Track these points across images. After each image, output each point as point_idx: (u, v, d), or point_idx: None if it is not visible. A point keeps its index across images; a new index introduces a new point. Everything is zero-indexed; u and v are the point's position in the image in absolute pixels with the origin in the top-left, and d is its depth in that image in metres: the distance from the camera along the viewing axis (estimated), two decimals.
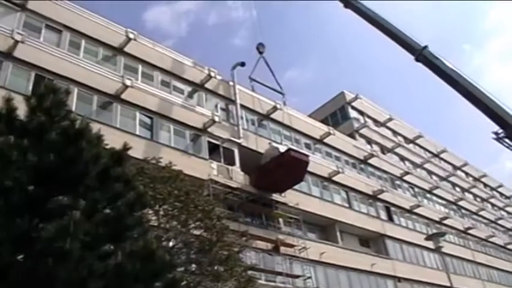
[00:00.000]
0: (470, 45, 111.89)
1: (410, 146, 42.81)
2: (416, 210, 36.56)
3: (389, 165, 37.30)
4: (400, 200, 35.41)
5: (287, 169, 23.52)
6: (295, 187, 25.93)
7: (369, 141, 37.51)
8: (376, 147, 37.45)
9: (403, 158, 40.66)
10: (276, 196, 24.70)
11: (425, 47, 23.00)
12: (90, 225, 6.42)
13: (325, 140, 31.64)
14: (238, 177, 23.45)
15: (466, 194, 47.34)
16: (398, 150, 40.27)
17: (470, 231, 42.53)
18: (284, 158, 23.63)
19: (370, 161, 34.97)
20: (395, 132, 41.75)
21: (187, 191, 14.89)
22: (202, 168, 21.76)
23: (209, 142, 23.56)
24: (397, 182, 37.58)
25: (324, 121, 35.27)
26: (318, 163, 29.11)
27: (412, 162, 41.24)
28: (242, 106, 26.62)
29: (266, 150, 24.95)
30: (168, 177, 14.89)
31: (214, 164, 22.87)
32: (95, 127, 7.83)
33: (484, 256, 42.63)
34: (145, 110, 21.43)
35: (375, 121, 40.02)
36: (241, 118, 26.21)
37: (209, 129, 23.67)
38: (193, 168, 20.69)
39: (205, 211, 15.05)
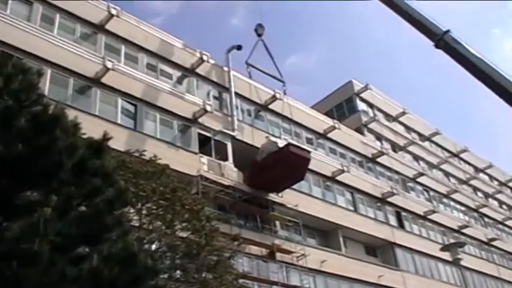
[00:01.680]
0: (500, 30, 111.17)
1: (426, 143, 42.85)
2: (431, 217, 36.61)
3: (401, 164, 37.43)
4: (412, 205, 35.50)
5: (286, 166, 23.59)
6: (295, 187, 26.02)
7: (379, 137, 37.62)
8: (386, 144, 37.58)
9: (417, 157, 40.78)
10: (272, 196, 24.79)
11: (447, 31, 22.71)
12: (63, 224, 6.39)
13: (329, 135, 31.72)
14: (231, 173, 23.50)
15: (490, 200, 46.91)
16: (412, 148, 40.36)
17: (494, 243, 42.16)
18: (283, 154, 23.67)
19: (379, 159, 35.10)
20: (408, 128, 41.85)
21: (174, 188, 14.93)
22: (191, 162, 21.78)
23: (199, 134, 23.57)
24: (410, 184, 37.72)
25: (328, 113, 35.32)
26: (321, 160, 29.20)
27: (427, 162, 41.30)
28: (237, 94, 26.62)
29: (263, 144, 24.97)
30: (153, 172, 14.93)
31: (205, 159, 22.90)
32: (70, 114, 7.78)
33: (511, 272, 42.03)
34: (128, 96, 21.39)
35: (386, 115, 40.15)
36: (236, 108, 26.22)
37: (200, 120, 23.67)
38: (181, 162, 20.71)
39: (193, 211, 15.09)
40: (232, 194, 22.55)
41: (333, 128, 31.82)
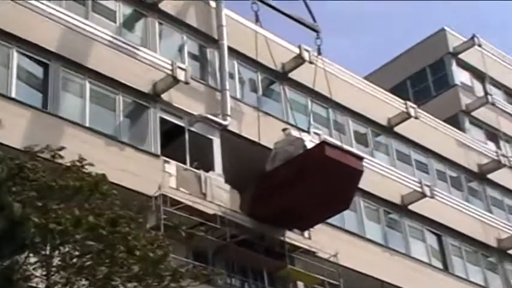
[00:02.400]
0: None
1: None
2: None
3: None
4: None
5: (318, 183, 23.65)
6: (333, 221, 26.20)
7: (494, 135, 38.06)
8: (508, 149, 37.82)
9: None
10: (293, 236, 24.85)
11: None
12: None
13: (397, 129, 31.91)
14: (218, 194, 23.65)
15: None
16: None
17: None
18: (313, 160, 23.81)
19: (493, 175, 35.24)
20: None
21: (114, 219, 14.90)
22: (147, 172, 21.92)
23: (163, 121, 23.81)
24: None
25: (397, 90, 35.40)
26: (382, 174, 29.31)
27: None
28: (233, 52, 26.87)
29: (278, 142, 25.02)
30: (76, 189, 14.87)
31: (172, 166, 23.11)
32: None
33: None
34: (32, 47, 21.47)
35: (510, 93, 40.07)
36: (231, 76, 26.46)
37: (165, 96, 23.88)
38: (129, 171, 20.94)
39: (149, 260, 15.09)
40: (220, 230, 22.56)
41: (406, 116, 31.88)
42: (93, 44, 22.90)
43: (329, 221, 25.99)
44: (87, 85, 22.40)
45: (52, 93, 21.54)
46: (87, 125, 21.76)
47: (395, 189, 29.91)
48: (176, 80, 23.70)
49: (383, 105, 32.00)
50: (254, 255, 24.05)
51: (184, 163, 23.66)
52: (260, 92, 27.93)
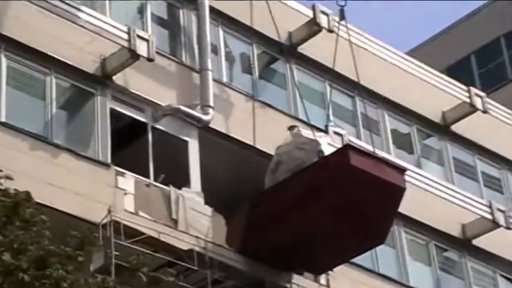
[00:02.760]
0: None
1: None
2: None
3: None
4: None
5: (340, 205, 23.65)
6: (361, 260, 26.23)
7: None
8: None
9: None
10: (302, 282, 24.89)
11: None
12: None
13: (455, 127, 32.04)
14: (195, 220, 23.71)
15: None
16: None
17: None
18: (333, 173, 23.78)
19: None
20: None
21: (43, 257, 14.79)
22: (91, 189, 21.87)
23: (116, 114, 23.88)
24: None
25: (456, 70, 35.38)
26: (433, 193, 29.28)
27: None
28: (218, 15, 27.01)
29: (281, 147, 25.08)
30: None
31: (129, 180, 23.16)
32: None
33: None
34: None
35: None
36: (215, 52, 26.63)
37: (118, 78, 23.89)
38: (66, 188, 20.88)
39: None
40: (197, 272, 22.58)
41: (470, 108, 31.98)
42: (11, 2, 22.74)
43: (355, 261, 26.02)
44: (3, 60, 22.18)
45: None
46: (2, 119, 21.53)
47: (454, 216, 29.92)
48: (135, 56, 23.58)
49: (435, 92, 32.11)
50: None
51: (147, 176, 23.66)
52: (257, 73, 27.94)
